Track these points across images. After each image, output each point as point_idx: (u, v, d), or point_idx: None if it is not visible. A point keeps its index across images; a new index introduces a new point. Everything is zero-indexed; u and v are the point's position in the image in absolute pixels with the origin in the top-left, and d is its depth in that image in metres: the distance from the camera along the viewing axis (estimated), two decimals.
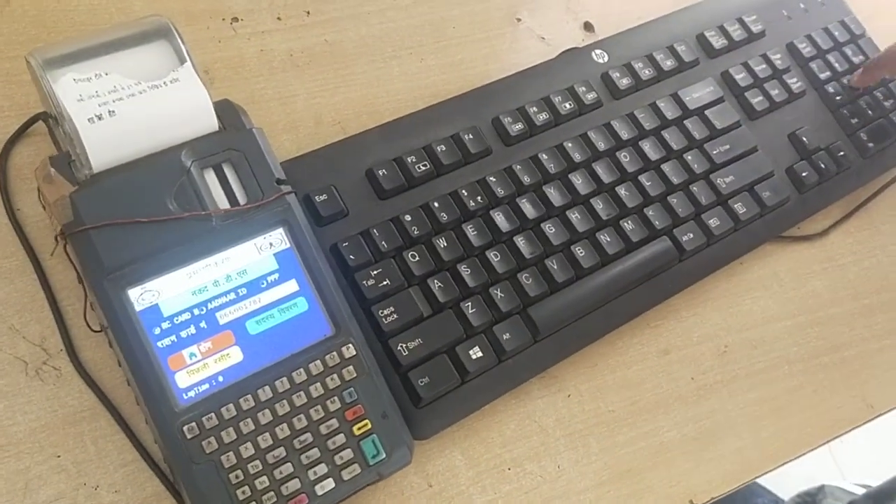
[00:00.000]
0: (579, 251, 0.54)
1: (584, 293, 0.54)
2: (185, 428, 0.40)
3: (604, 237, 0.55)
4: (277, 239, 0.44)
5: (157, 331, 0.41)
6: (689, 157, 0.60)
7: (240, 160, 0.44)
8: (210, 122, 0.44)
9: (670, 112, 0.61)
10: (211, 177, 0.43)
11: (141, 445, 0.44)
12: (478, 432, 0.51)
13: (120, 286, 0.40)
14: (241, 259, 0.43)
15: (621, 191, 0.57)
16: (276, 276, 0.44)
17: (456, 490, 0.49)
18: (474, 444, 0.51)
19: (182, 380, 0.41)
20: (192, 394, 0.41)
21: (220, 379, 0.41)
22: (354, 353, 0.43)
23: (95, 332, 0.45)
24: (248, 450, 0.40)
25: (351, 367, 0.43)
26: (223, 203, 0.43)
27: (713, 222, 0.58)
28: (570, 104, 0.59)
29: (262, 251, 0.44)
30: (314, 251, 0.44)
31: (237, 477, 0.40)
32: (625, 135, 0.59)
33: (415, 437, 0.48)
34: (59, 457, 0.44)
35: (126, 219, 0.40)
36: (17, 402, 0.44)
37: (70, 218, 0.40)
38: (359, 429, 0.43)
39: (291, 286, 0.44)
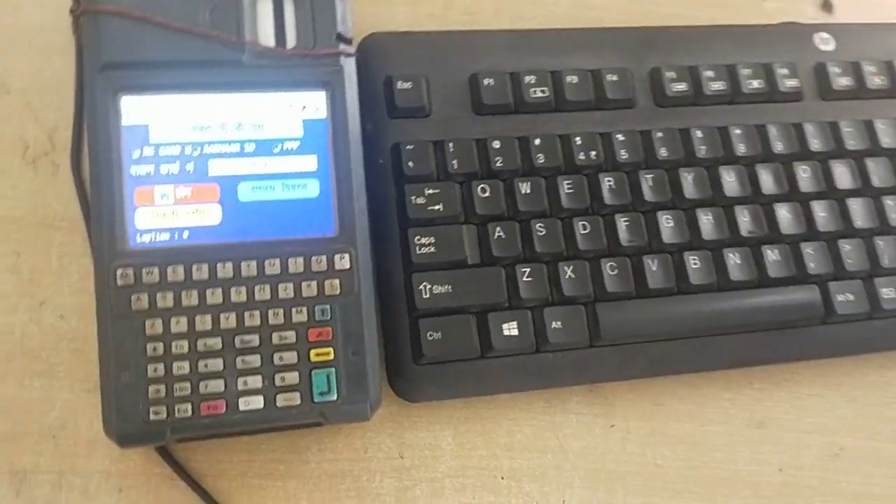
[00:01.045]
0: (693, 261, 0.42)
1: (679, 313, 0.42)
2: (118, 271, 0.33)
3: (733, 257, 0.43)
4: (314, 103, 0.36)
5: (137, 154, 0.34)
6: (890, 203, 0.45)
7: None
8: None
9: (889, 139, 0.46)
10: (265, 5, 0.36)
11: None
12: (483, 421, 0.42)
13: (113, 88, 0.34)
14: (262, 110, 0.35)
15: (781, 210, 0.44)
16: (296, 144, 0.36)
17: (429, 474, 0.40)
18: (472, 434, 0.41)
19: (142, 219, 0.34)
20: (146, 238, 0.34)
21: (185, 235, 0.34)
22: (348, 266, 0.35)
23: None
24: (179, 325, 0.33)
25: (336, 282, 0.35)
26: (266, 39, 0.36)
27: (887, 292, 0.44)
28: (759, 83, 0.46)
29: (290, 110, 0.36)
30: (351, 134, 0.36)
31: (155, 350, 0.33)
32: (816, 145, 0.45)
33: (403, 397, 0.39)
34: (19, 256, 0.39)
35: (143, 12, 0.34)
36: (2, 182, 0.40)
37: None
38: (317, 355, 0.34)
39: (309, 163, 0.36)
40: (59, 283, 0.39)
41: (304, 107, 0.36)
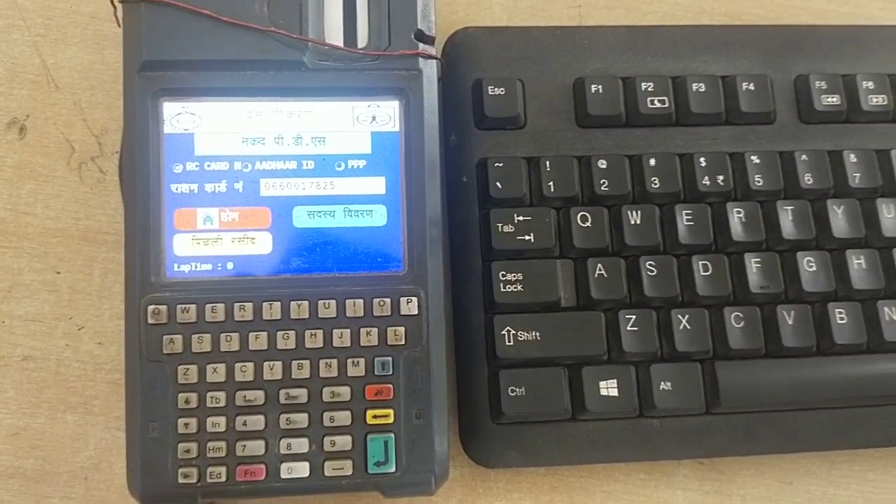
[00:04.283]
0: (839, 315, 0.35)
1: (818, 378, 0.34)
2: (150, 308, 0.28)
3: (889, 312, 0.35)
4: (386, 113, 0.30)
5: (179, 168, 0.29)
6: None
7: None
8: None
9: None
10: (335, 0, 0.30)
11: None
12: (571, 493, 0.35)
13: (153, 90, 0.29)
14: (325, 121, 0.30)
15: None
16: (362, 162, 0.30)
17: None
18: None
19: (181, 245, 0.29)
20: (184, 268, 0.29)
21: (230, 266, 0.29)
22: (416, 312, 0.29)
23: None
24: (216, 373, 0.28)
25: (401, 330, 0.29)
26: (333, 37, 0.30)
27: None
28: None
29: (357, 122, 0.30)
30: (428, 152, 0.30)
31: (187, 402, 0.28)
32: None
33: (477, 461, 0.34)
34: (58, 273, 0.35)
35: (190, 3, 0.29)
36: (44, 189, 0.36)
37: None
38: (375, 416, 0.29)
39: (377, 185, 0.30)
40: (99, 306, 0.35)
41: (374, 118, 0.30)
